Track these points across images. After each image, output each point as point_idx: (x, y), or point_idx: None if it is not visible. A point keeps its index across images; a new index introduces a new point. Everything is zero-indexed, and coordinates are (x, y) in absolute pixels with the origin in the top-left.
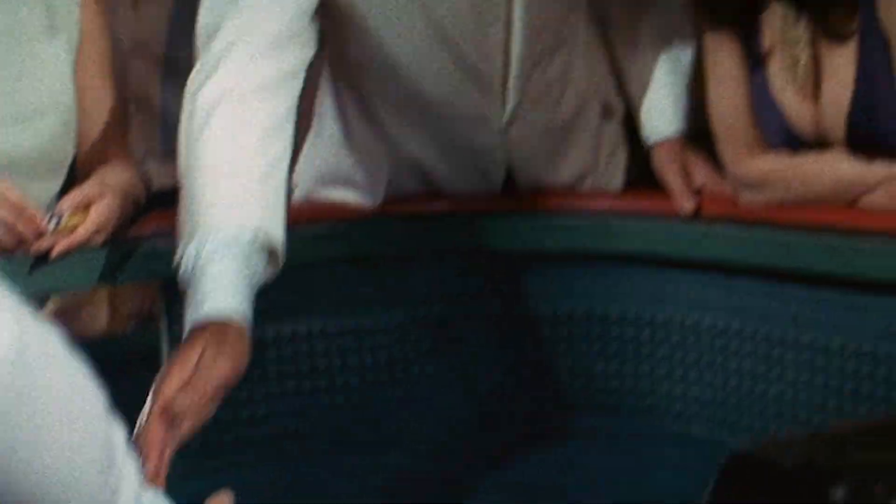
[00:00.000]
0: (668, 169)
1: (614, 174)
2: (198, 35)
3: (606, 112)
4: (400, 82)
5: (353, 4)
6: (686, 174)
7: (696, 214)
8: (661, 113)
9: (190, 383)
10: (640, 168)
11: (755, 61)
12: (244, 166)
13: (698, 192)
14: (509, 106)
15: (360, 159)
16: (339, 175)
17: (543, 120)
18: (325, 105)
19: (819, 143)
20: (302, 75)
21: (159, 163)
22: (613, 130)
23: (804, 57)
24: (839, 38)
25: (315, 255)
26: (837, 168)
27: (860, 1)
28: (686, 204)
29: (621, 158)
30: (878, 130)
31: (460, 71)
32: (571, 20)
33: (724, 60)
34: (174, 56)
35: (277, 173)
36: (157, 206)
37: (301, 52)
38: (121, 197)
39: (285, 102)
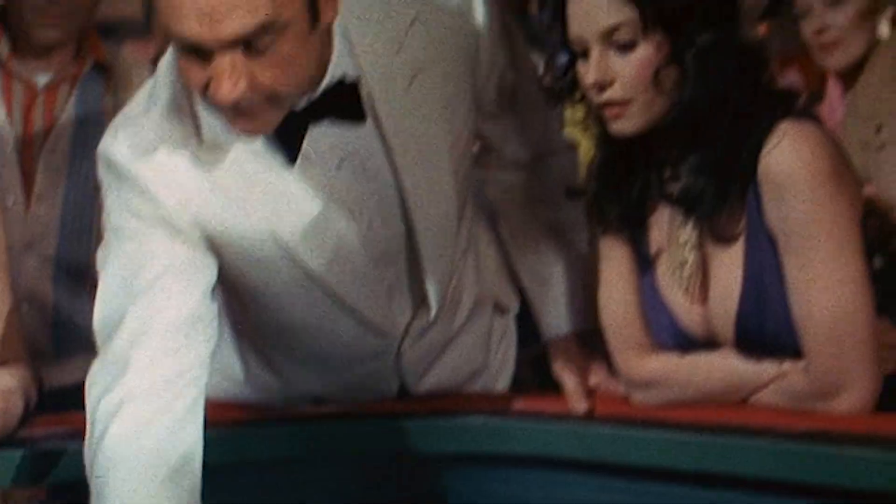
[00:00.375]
0: (562, 367)
1: (505, 372)
2: (96, 327)
3: (498, 309)
4: (299, 340)
5: (247, 278)
6: (580, 372)
7: (590, 414)
8: (555, 310)
9: None
10: (534, 365)
11: (645, 262)
12: (153, 468)
13: (592, 392)
14: (408, 341)
15: (253, 389)
16: (230, 397)
17: (437, 336)
18: (224, 330)
19: (709, 342)
20: (209, 360)
21: (51, 362)
22: (505, 328)
23: (692, 258)
24: (725, 240)
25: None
26: (727, 367)
27: (747, 201)
28: (580, 404)
29: (511, 356)
30: (766, 330)
31: (361, 328)
32: (464, 235)
33: (614, 263)
34: (66, 256)
35: (190, 465)
36: (49, 407)
37: (206, 334)
38: (9, 398)
39: (192, 392)
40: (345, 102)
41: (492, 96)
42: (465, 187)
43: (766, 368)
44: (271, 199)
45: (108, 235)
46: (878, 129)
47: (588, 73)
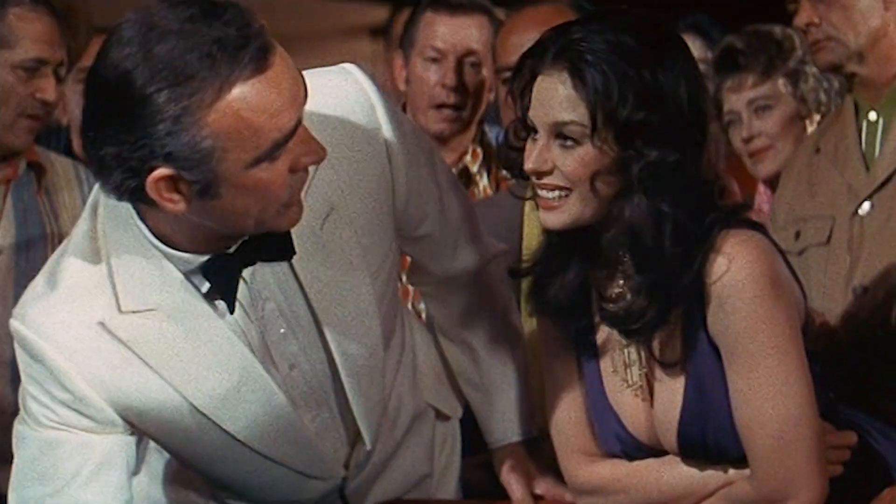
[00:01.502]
0: (509, 474)
1: (448, 477)
2: None
3: (441, 416)
4: (236, 490)
5: (170, 444)
6: (527, 479)
7: None
8: (501, 418)
9: None
10: (485, 469)
11: (591, 366)
12: None
13: (540, 498)
14: (351, 472)
15: None
16: None
17: (379, 457)
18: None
19: (657, 448)
20: None
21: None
22: (447, 433)
23: (639, 358)
24: (668, 364)
25: None
26: (674, 474)
27: (689, 312)
28: None
29: (456, 460)
30: (709, 437)
31: (297, 475)
32: (394, 358)
33: (559, 371)
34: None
35: None
36: None
37: None
38: None
39: None
40: (271, 241)
41: (414, 222)
42: (392, 310)
43: (713, 476)
44: (191, 364)
45: (24, 410)
46: (797, 236)
47: (529, 157)
